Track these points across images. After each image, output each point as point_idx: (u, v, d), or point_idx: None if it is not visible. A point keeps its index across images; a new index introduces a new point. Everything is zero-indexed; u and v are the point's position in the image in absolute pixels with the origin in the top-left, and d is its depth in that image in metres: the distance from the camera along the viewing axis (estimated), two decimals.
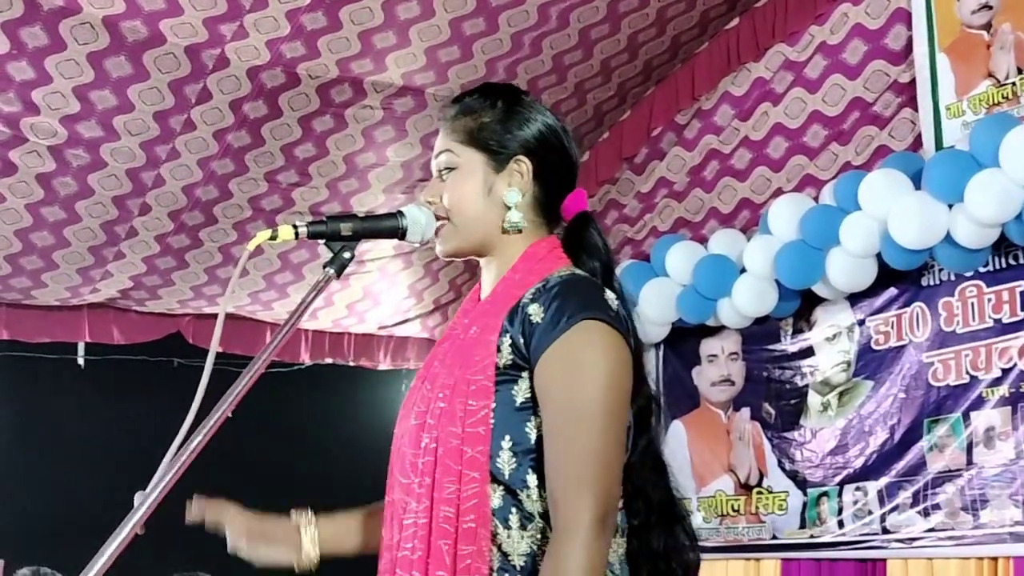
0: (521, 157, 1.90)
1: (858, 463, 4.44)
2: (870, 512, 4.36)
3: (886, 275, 4.30)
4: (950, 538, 4.09)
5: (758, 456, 4.86)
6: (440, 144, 1.94)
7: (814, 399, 4.67)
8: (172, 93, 4.22)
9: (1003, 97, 4.04)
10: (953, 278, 4.20)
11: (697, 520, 4.97)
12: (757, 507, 4.82)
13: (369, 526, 2.07)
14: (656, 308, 4.86)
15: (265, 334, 5.62)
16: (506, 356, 1.77)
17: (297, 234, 1.82)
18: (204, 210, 4.82)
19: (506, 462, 1.75)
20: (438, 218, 1.92)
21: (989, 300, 4.08)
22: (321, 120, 4.57)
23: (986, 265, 4.08)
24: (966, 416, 4.09)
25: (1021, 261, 4.01)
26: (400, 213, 1.91)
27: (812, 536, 4.57)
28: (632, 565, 1.80)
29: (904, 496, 4.24)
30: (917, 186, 4.03)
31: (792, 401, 4.76)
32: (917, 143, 4.34)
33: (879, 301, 4.45)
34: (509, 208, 1.89)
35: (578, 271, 1.86)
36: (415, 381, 1.92)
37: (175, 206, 4.75)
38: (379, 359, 6.13)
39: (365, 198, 5.00)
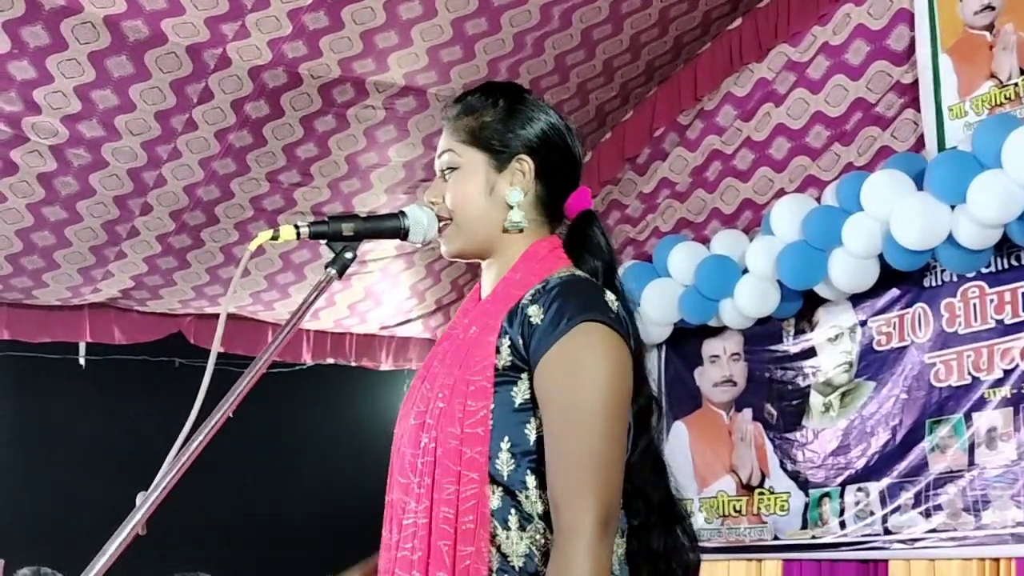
0: (523, 156, 1.90)
1: (860, 464, 4.44)
2: (872, 513, 4.35)
3: (888, 276, 4.30)
4: (952, 539, 4.09)
5: (760, 457, 4.86)
6: (443, 144, 1.94)
7: (816, 400, 4.67)
8: (174, 93, 4.22)
9: (1005, 98, 4.04)
10: (955, 279, 4.20)
11: (699, 521, 4.97)
12: (759, 508, 4.82)
13: None
14: (658, 308, 4.86)
15: (267, 334, 5.62)
16: (505, 357, 1.77)
17: (299, 234, 1.82)
18: (205, 210, 4.82)
19: (505, 463, 1.74)
20: (441, 219, 1.92)
21: (991, 301, 4.08)
22: (323, 120, 4.56)
23: (988, 266, 4.08)
24: (968, 417, 4.09)
25: (1023, 262, 4.01)
26: (402, 213, 1.90)
27: (814, 537, 4.57)
28: (632, 565, 1.80)
29: (906, 497, 4.24)
30: (919, 187, 4.03)
31: (794, 402, 4.75)
32: (919, 144, 4.34)
33: (881, 302, 4.45)
34: (511, 207, 1.88)
35: (578, 272, 1.85)
36: (415, 381, 1.92)
37: (176, 206, 4.75)
38: (381, 359, 6.13)
39: (367, 198, 5.00)
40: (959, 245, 3.91)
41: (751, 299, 4.62)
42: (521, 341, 1.76)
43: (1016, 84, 4.01)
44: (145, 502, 1.58)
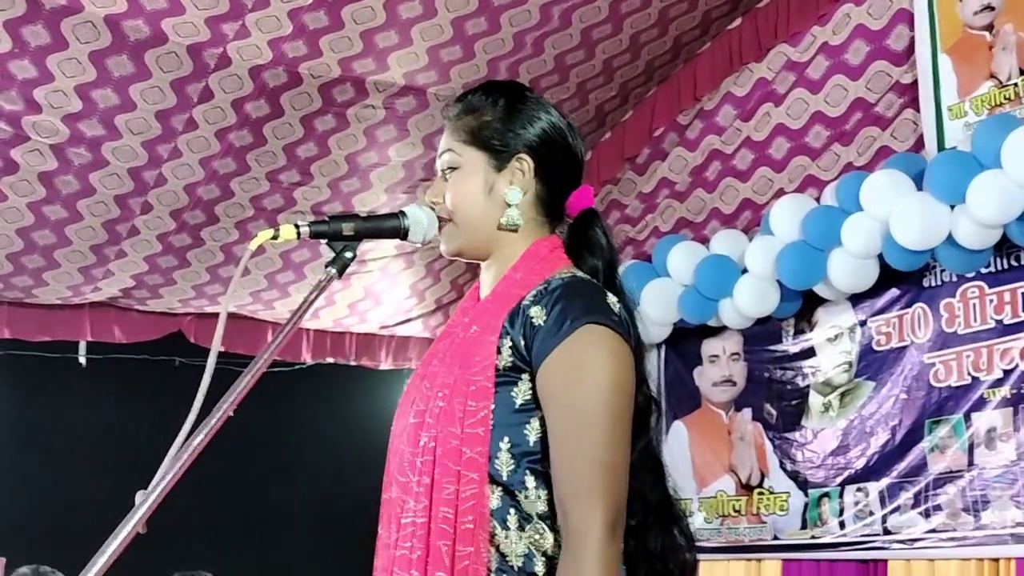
0: (523, 155, 1.90)
1: (859, 464, 4.44)
2: (871, 513, 4.35)
3: (888, 276, 4.30)
4: (951, 539, 4.09)
5: (759, 456, 4.86)
6: (443, 144, 1.94)
7: (815, 400, 4.67)
8: (174, 92, 4.22)
9: (1005, 98, 4.04)
10: (955, 279, 4.20)
11: (698, 520, 4.97)
12: (758, 507, 4.82)
13: None
14: (658, 308, 4.86)
15: (267, 333, 5.63)
16: (506, 358, 1.77)
17: (299, 233, 1.82)
18: (206, 209, 4.82)
19: (504, 463, 1.75)
20: (441, 218, 1.92)
21: (991, 301, 4.08)
22: (323, 119, 4.57)
23: (988, 266, 4.08)
24: (967, 417, 4.09)
25: (1023, 262, 4.01)
26: (402, 213, 1.91)
27: (813, 537, 4.57)
28: (629, 566, 1.80)
29: (905, 497, 4.24)
30: (919, 187, 4.03)
31: (793, 402, 4.76)
32: (919, 144, 4.34)
33: (880, 302, 4.45)
34: (510, 206, 1.88)
35: (579, 273, 1.85)
36: (413, 379, 1.91)
37: (177, 205, 4.75)
38: (381, 359, 6.14)
39: (367, 198, 5.00)
40: (959, 245, 3.91)
41: (750, 299, 4.62)
42: (523, 342, 1.76)
43: (1016, 84, 4.01)
44: (145, 501, 1.58)
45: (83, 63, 4.02)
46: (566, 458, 1.71)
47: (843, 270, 4.29)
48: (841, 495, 4.49)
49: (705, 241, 4.98)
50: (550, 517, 1.75)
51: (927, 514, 4.17)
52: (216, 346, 1.73)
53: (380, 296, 5.74)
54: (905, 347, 4.35)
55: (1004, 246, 3.96)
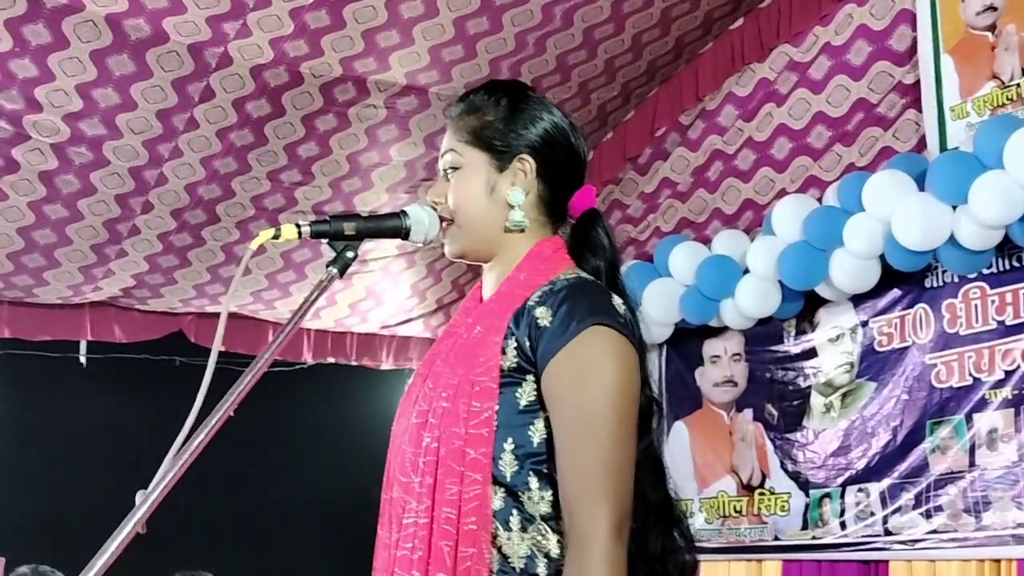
0: (524, 155, 1.89)
1: (860, 464, 4.43)
2: (872, 513, 4.35)
3: (889, 276, 4.29)
4: (952, 540, 4.09)
5: (760, 457, 4.85)
6: (446, 144, 1.94)
7: (817, 400, 4.67)
8: (175, 91, 4.22)
9: (1008, 99, 4.03)
10: (956, 280, 4.19)
11: (699, 521, 4.97)
12: (759, 508, 4.82)
13: None
14: (659, 308, 4.86)
15: (267, 333, 5.63)
16: (511, 359, 1.77)
17: (300, 233, 1.82)
18: (207, 209, 4.82)
19: (508, 464, 1.74)
20: (443, 219, 1.91)
21: (992, 302, 4.08)
22: (324, 119, 4.56)
23: (990, 267, 4.07)
24: (969, 418, 4.09)
25: None
26: (403, 213, 1.90)
27: (814, 537, 4.57)
28: (629, 567, 1.79)
29: (906, 498, 4.24)
30: (921, 187, 4.02)
31: (795, 402, 4.75)
32: (921, 144, 4.33)
33: (882, 302, 4.45)
34: (512, 207, 1.88)
35: (583, 274, 1.85)
36: (414, 379, 1.91)
37: (178, 204, 4.75)
38: (381, 359, 6.13)
39: (368, 197, 5.00)
40: (960, 246, 3.91)
41: (752, 299, 4.62)
42: (528, 343, 1.76)
43: (1018, 85, 4.01)
44: (145, 501, 1.58)
45: (84, 62, 4.02)
46: (572, 459, 1.70)
47: (845, 270, 4.29)
48: (842, 496, 4.48)
49: (707, 241, 4.98)
50: (553, 519, 1.75)
51: (928, 515, 4.17)
52: (217, 346, 1.73)
53: (381, 296, 5.74)
54: (907, 348, 4.35)
55: (1006, 247, 3.96)
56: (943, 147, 4.19)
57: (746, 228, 4.96)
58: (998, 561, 3.99)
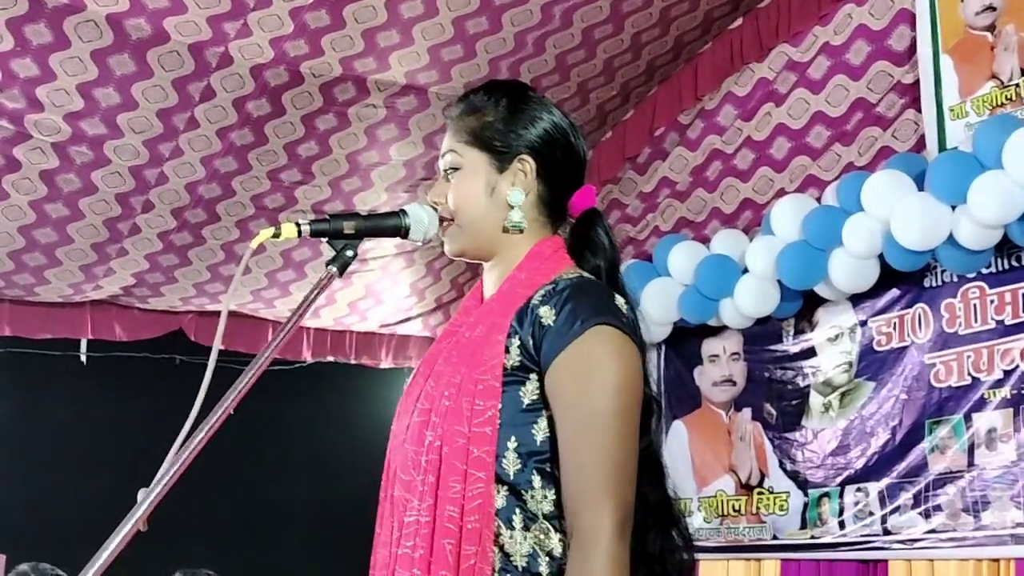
0: (524, 156, 1.90)
1: (859, 464, 4.44)
2: (871, 513, 4.35)
3: (888, 276, 4.30)
4: (951, 539, 4.09)
5: (759, 456, 4.86)
6: (446, 144, 1.94)
7: (816, 400, 4.67)
8: (176, 91, 4.22)
9: (1007, 99, 4.04)
10: (955, 279, 4.20)
11: (698, 520, 4.97)
12: (758, 507, 4.82)
13: None
14: (658, 308, 4.86)
15: (267, 332, 5.63)
16: (514, 357, 1.77)
17: (300, 232, 1.82)
18: (207, 208, 4.82)
19: (511, 463, 1.75)
20: (443, 219, 1.92)
21: (991, 301, 4.08)
22: (324, 118, 4.57)
23: (988, 266, 4.07)
24: (968, 418, 4.09)
25: (1023, 263, 4.01)
26: (403, 212, 1.91)
27: (813, 537, 4.57)
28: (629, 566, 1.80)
29: (905, 497, 4.24)
30: (920, 187, 4.03)
31: (793, 402, 4.75)
32: (920, 144, 4.33)
33: (881, 302, 4.45)
34: (512, 207, 1.89)
35: (585, 273, 1.86)
36: (415, 378, 1.91)
37: (178, 203, 4.75)
38: (381, 357, 6.14)
39: (368, 197, 5.01)
40: (959, 246, 3.91)
41: (751, 299, 4.62)
42: (531, 341, 1.77)
43: (1017, 85, 4.01)
44: (146, 498, 1.58)
45: (85, 62, 4.02)
46: (575, 458, 1.71)
47: (844, 270, 4.29)
48: (841, 495, 4.49)
49: (706, 241, 4.98)
50: (556, 518, 1.75)
51: (927, 514, 4.17)
52: (217, 344, 1.74)
53: (381, 295, 5.74)
54: (905, 347, 4.35)
55: (1005, 247, 3.96)
56: (942, 147, 4.20)
57: (745, 228, 4.96)
58: (996, 561, 4.00)
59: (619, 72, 4.93)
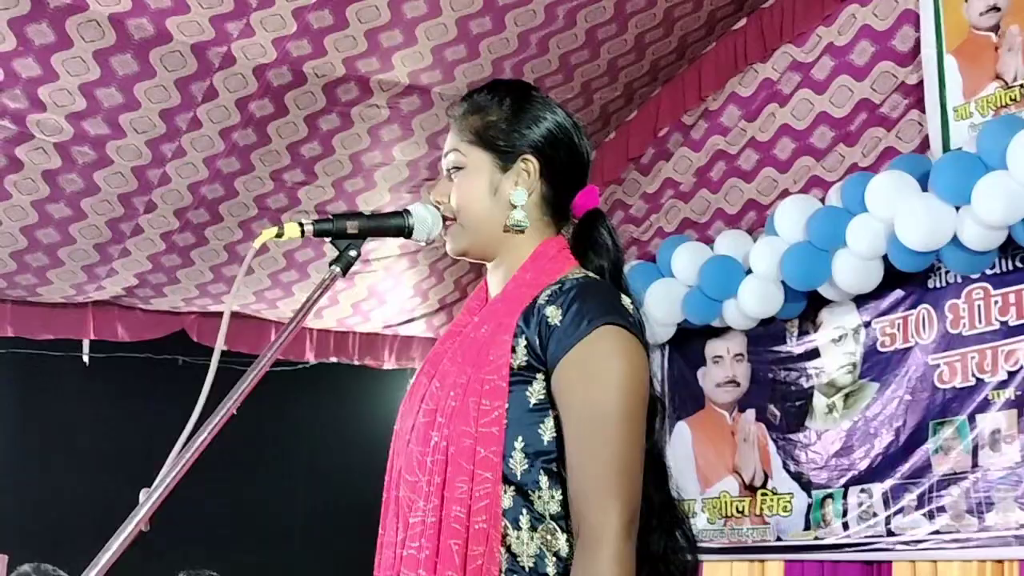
0: (528, 156, 1.89)
1: (863, 465, 4.43)
2: (875, 514, 4.35)
3: (892, 277, 4.29)
4: (955, 541, 4.08)
5: (763, 457, 4.85)
6: (449, 143, 1.94)
7: (819, 401, 4.66)
8: (178, 91, 4.22)
9: (1011, 99, 4.03)
10: (959, 280, 4.19)
11: (702, 521, 4.97)
12: (761, 508, 4.81)
13: None
14: (662, 309, 4.85)
15: (270, 332, 5.62)
16: (521, 357, 1.77)
17: (303, 232, 1.81)
18: (210, 208, 4.82)
19: (518, 463, 1.74)
20: (446, 218, 1.91)
21: (996, 302, 4.07)
22: (327, 119, 4.57)
23: (993, 267, 4.07)
24: (972, 418, 4.08)
25: None
26: (406, 212, 1.90)
27: (817, 538, 4.57)
28: None
29: (909, 498, 4.24)
30: (924, 188, 4.02)
31: (797, 403, 4.75)
32: (924, 145, 4.33)
33: (885, 303, 4.45)
34: (515, 207, 1.88)
35: (591, 274, 1.85)
36: (418, 378, 1.91)
37: (181, 204, 4.75)
38: (384, 358, 6.13)
39: (371, 197, 5.00)
40: (963, 246, 3.90)
41: (755, 300, 4.62)
42: (538, 341, 1.76)
43: (1021, 85, 4.01)
44: (149, 499, 1.58)
45: (87, 62, 4.02)
46: (582, 458, 1.71)
47: (847, 271, 4.28)
48: (845, 496, 4.48)
49: (709, 242, 4.97)
50: (563, 518, 1.75)
51: (931, 516, 4.16)
52: (219, 345, 1.73)
53: (384, 295, 5.74)
54: (909, 348, 4.34)
55: (1009, 247, 3.95)
56: (946, 148, 4.19)
57: (749, 228, 4.95)
58: (1001, 562, 3.99)
59: (623, 72, 4.93)
